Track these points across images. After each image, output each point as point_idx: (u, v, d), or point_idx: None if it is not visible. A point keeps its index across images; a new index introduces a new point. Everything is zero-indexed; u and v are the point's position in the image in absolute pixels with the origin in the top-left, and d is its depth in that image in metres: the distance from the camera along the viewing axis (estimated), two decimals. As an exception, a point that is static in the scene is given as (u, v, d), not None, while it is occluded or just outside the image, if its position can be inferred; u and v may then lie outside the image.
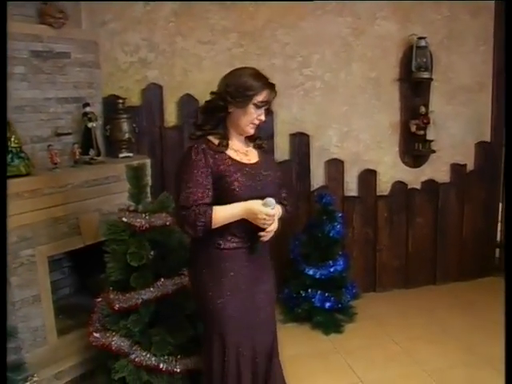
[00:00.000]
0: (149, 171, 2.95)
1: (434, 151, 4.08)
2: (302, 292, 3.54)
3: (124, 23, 3.40)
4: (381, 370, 2.99)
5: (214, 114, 1.95)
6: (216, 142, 1.94)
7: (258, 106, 1.92)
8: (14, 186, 2.36)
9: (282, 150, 3.85)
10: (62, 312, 2.90)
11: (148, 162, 3.03)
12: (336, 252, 3.57)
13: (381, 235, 4.12)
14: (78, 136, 2.99)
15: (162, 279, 2.45)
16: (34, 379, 2.31)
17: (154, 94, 3.51)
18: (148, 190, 2.63)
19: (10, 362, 2.16)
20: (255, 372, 2.04)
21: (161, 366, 2.40)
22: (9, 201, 2.17)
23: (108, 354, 2.43)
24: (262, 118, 1.97)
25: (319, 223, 3.58)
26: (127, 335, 2.43)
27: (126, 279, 2.42)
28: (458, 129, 4.20)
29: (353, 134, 4.00)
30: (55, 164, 2.72)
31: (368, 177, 4.06)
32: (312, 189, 3.94)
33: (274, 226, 1.95)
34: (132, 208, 2.51)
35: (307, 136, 3.88)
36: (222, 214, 1.86)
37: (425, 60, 3.87)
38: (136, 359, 2.39)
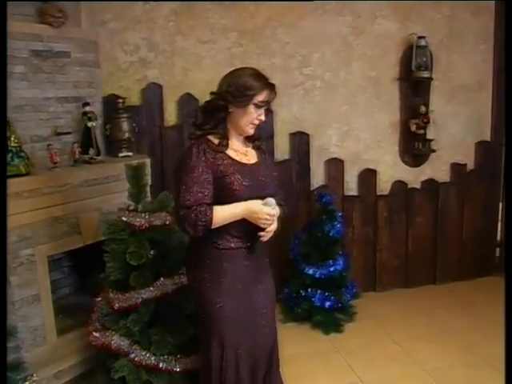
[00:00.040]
0: (148, 170, 2.95)
1: (434, 151, 4.08)
2: (301, 291, 3.54)
3: (124, 23, 3.40)
4: (381, 369, 2.99)
5: (213, 114, 1.95)
6: (216, 141, 1.94)
7: (258, 106, 1.92)
8: (13, 185, 2.36)
9: (282, 149, 3.85)
10: (61, 311, 2.91)
11: (148, 161, 3.03)
12: (336, 251, 3.57)
13: (381, 235, 4.12)
14: (78, 135, 2.99)
15: (162, 278, 2.45)
16: (34, 379, 2.31)
17: (153, 93, 3.51)
18: (148, 189, 2.63)
19: (9, 361, 2.16)
20: (254, 373, 2.04)
21: (160, 365, 2.41)
22: (8, 200, 2.18)
23: (108, 354, 2.44)
24: (262, 117, 1.97)
25: (319, 223, 3.57)
26: (127, 334, 2.43)
27: (125, 278, 2.42)
28: (458, 128, 4.20)
29: (353, 134, 4.00)
30: (55, 163, 2.72)
31: (368, 176, 4.06)
32: (312, 188, 3.94)
33: (273, 226, 1.96)
34: (132, 207, 2.51)
35: (307, 135, 3.88)
36: (223, 213, 1.86)
37: (425, 59, 3.87)
38: (136, 358, 2.39)
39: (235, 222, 1.90)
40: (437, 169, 4.21)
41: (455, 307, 3.83)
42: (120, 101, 3.21)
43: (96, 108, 3.07)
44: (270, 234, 1.97)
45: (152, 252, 2.48)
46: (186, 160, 1.89)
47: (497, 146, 4.25)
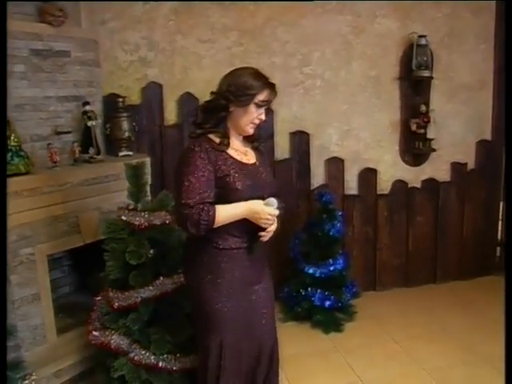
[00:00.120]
0: (148, 170, 2.96)
1: (434, 150, 4.07)
2: (301, 291, 3.54)
3: (124, 22, 3.40)
4: (380, 368, 2.99)
5: (214, 113, 1.94)
6: (217, 140, 1.93)
7: (258, 106, 1.92)
8: (13, 184, 2.36)
9: (282, 148, 3.85)
10: (61, 310, 2.91)
11: (148, 160, 3.04)
12: (336, 251, 3.57)
13: (381, 234, 4.12)
14: (78, 134, 2.99)
15: (162, 278, 2.44)
16: (33, 377, 2.31)
17: (153, 92, 3.51)
18: (147, 188, 2.63)
19: (9, 360, 2.16)
20: (254, 372, 2.04)
21: (160, 364, 2.41)
22: (8, 199, 2.18)
23: (107, 353, 2.44)
24: (263, 117, 1.97)
25: (319, 222, 3.57)
26: (126, 334, 2.43)
27: (125, 278, 2.42)
28: (459, 127, 4.20)
29: (353, 133, 4.00)
30: (55, 162, 2.72)
31: (368, 175, 4.06)
32: (312, 187, 3.94)
33: (274, 226, 1.96)
34: (131, 206, 2.50)
35: (307, 134, 3.88)
36: (225, 213, 1.86)
37: (425, 58, 3.86)
38: (135, 358, 2.39)
39: (236, 221, 1.89)
40: (437, 168, 4.21)
41: (455, 306, 3.83)
42: (120, 100, 3.21)
43: (96, 107, 3.07)
44: (270, 234, 1.97)
45: (151, 251, 2.47)
46: (188, 158, 1.88)
47: (497, 145, 4.24)
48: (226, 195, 1.88)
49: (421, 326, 3.52)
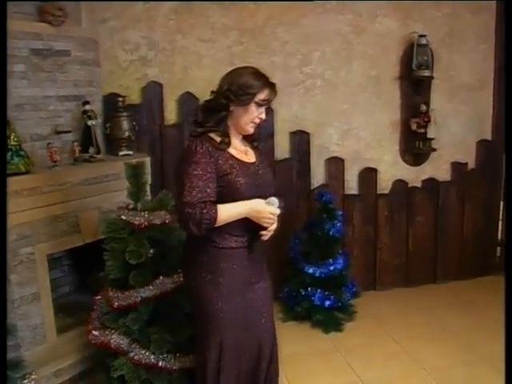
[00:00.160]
0: (148, 169, 2.96)
1: (434, 149, 4.07)
2: (301, 290, 3.54)
3: (124, 21, 3.39)
4: (380, 368, 2.99)
5: (214, 113, 1.94)
6: (218, 139, 1.92)
7: (259, 105, 1.92)
8: (13, 183, 2.36)
9: (282, 148, 3.85)
10: (61, 310, 2.91)
11: (148, 160, 3.03)
12: (336, 250, 3.57)
13: (381, 234, 4.12)
14: (78, 134, 2.98)
15: (161, 277, 2.44)
16: (33, 377, 2.31)
17: (154, 91, 3.51)
18: (147, 188, 2.62)
19: (8, 359, 2.16)
20: (254, 372, 2.04)
21: (159, 364, 2.40)
22: (8, 199, 2.18)
23: (107, 352, 2.43)
24: (263, 116, 1.97)
25: (319, 221, 3.57)
26: (126, 333, 2.43)
27: (125, 277, 2.42)
28: (459, 127, 4.19)
29: (353, 133, 3.99)
30: (55, 162, 2.71)
31: (368, 175, 4.05)
32: (312, 187, 3.94)
33: (274, 225, 1.96)
34: (131, 206, 2.50)
35: (307, 134, 3.88)
36: (227, 212, 1.85)
37: (425, 58, 3.86)
38: (135, 357, 2.39)
39: (236, 220, 1.89)
40: (437, 168, 4.21)
41: (455, 306, 3.83)
42: (120, 99, 3.21)
43: (96, 106, 3.07)
44: (271, 233, 1.97)
45: (151, 251, 2.47)
46: (189, 157, 1.86)
47: (498, 144, 4.24)
48: (228, 194, 1.87)
49: (421, 325, 3.52)
